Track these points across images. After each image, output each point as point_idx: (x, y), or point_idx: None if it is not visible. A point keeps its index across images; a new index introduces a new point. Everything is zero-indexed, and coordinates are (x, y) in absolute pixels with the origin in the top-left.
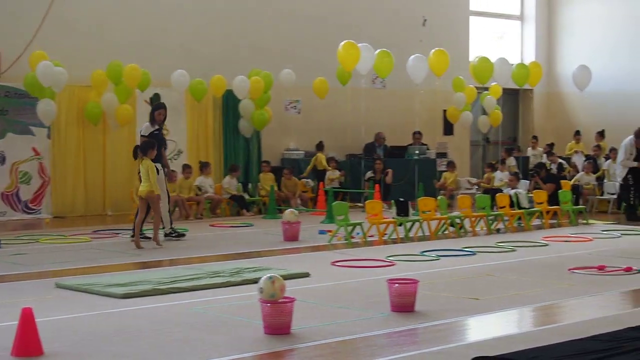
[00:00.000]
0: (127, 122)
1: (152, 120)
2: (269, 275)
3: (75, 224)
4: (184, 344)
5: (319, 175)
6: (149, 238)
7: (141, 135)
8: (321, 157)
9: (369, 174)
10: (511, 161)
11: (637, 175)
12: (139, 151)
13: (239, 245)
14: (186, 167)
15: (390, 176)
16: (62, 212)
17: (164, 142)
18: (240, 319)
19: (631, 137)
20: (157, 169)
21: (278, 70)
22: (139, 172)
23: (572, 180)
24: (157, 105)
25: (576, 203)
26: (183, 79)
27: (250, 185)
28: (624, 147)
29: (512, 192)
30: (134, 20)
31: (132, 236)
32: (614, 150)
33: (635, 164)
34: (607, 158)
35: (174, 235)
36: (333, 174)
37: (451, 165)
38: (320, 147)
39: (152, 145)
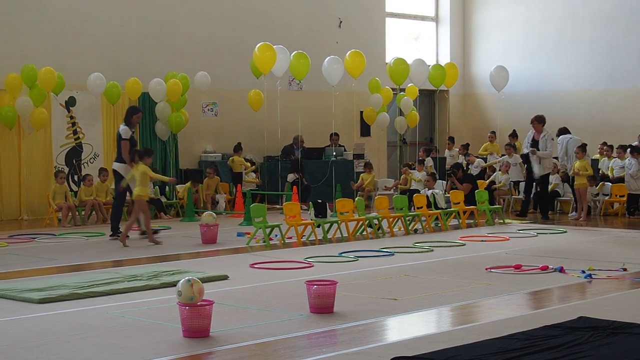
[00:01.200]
0: (42, 125)
1: (129, 123)
2: (187, 278)
3: None
4: (102, 348)
5: (235, 177)
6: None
7: (122, 139)
8: (237, 160)
9: (292, 176)
10: (429, 162)
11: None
12: (137, 156)
13: (157, 249)
14: (102, 171)
15: (304, 181)
16: None
17: (135, 145)
18: (159, 322)
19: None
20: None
21: (194, 72)
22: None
23: (488, 180)
24: (135, 109)
25: (492, 202)
26: (99, 82)
27: (167, 189)
28: (526, 138)
29: (429, 192)
30: (49, 24)
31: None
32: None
33: (526, 151)
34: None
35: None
36: (249, 177)
37: (368, 167)
38: (237, 149)
39: (150, 152)
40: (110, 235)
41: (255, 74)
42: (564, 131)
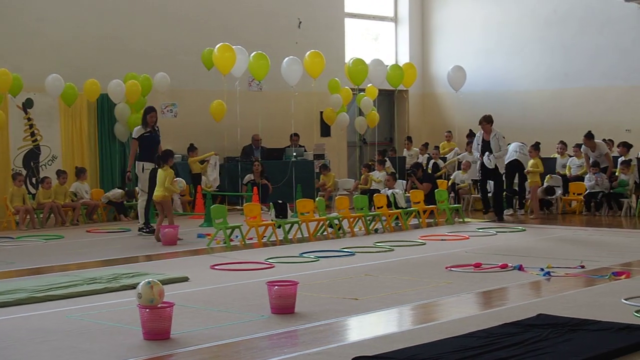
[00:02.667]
0: (0, 127)
1: (144, 122)
2: (147, 280)
3: None
4: (61, 352)
5: (194, 178)
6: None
7: (133, 138)
8: (192, 160)
9: (249, 177)
10: (388, 162)
11: (485, 170)
12: (160, 160)
13: (116, 251)
14: (61, 173)
15: (270, 189)
16: None
17: (157, 142)
18: (119, 325)
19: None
20: (143, 168)
21: (153, 74)
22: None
23: (450, 181)
24: (149, 109)
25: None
26: (57, 83)
27: (127, 190)
28: (475, 139)
29: (390, 192)
30: (5, 25)
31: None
32: None
33: (476, 154)
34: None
35: (145, 230)
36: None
37: (325, 168)
38: (190, 150)
39: (171, 154)
40: (140, 229)
41: (206, 66)
42: None
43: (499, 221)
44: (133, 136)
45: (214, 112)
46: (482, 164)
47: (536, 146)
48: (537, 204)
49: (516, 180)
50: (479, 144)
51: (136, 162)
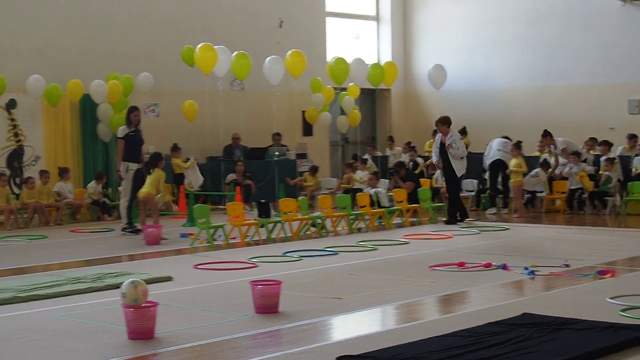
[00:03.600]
0: None
1: (128, 122)
2: (131, 279)
3: None
4: (46, 351)
5: (177, 178)
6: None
7: (117, 138)
8: (175, 162)
9: (231, 176)
10: (371, 160)
11: (445, 172)
12: (150, 165)
13: (100, 251)
14: (44, 173)
15: (253, 189)
16: None
17: (141, 141)
18: (103, 324)
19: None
20: (127, 168)
21: (136, 74)
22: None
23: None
24: (132, 108)
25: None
26: (39, 84)
27: (110, 190)
28: (434, 143)
29: (372, 191)
30: None
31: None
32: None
33: (435, 158)
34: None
35: (129, 230)
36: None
37: (313, 170)
38: (174, 149)
39: (160, 157)
40: (124, 229)
41: (187, 63)
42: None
43: (446, 224)
44: (118, 135)
45: (186, 112)
46: (443, 168)
47: (517, 145)
48: (522, 203)
49: (500, 179)
50: (437, 148)
51: (124, 162)
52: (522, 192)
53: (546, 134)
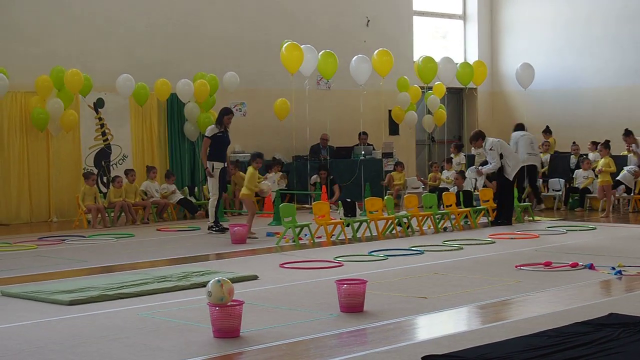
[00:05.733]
0: (72, 127)
1: (220, 123)
2: (217, 278)
3: (20, 231)
4: (132, 349)
5: None
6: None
7: (205, 136)
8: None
9: (315, 178)
10: (461, 159)
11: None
12: (251, 159)
13: (186, 249)
14: (129, 172)
15: (338, 194)
16: (6, 219)
17: (228, 142)
18: (189, 323)
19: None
20: (213, 167)
21: (222, 73)
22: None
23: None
24: (226, 110)
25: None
26: (128, 83)
27: (196, 189)
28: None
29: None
30: (75, 26)
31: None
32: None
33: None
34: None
35: (215, 229)
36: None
37: (399, 165)
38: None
39: (258, 156)
40: (210, 227)
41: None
42: (519, 127)
43: (492, 225)
44: (206, 134)
45: (277, 111)
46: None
47: (606, 145)
48: (610, 203)
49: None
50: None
51: (209, 161)
52: (610, 192)
53: (627, 133)
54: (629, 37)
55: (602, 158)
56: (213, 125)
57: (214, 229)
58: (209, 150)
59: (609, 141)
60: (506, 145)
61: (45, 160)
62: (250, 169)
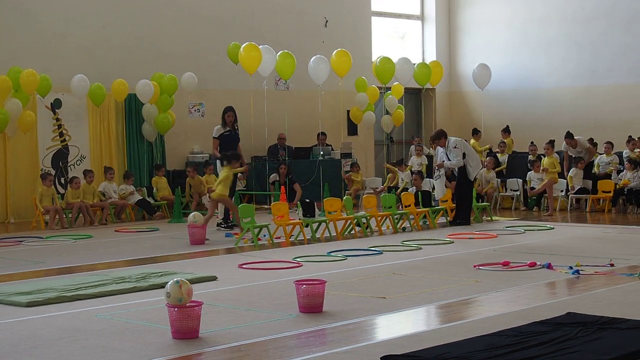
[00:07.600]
0: (29, 128)
1: (223, 122)
2: (175, 279)
3: None
4: (91, 351)
5: None
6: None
7: (213, 137)
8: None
9: (274, 176)
10: (423, 160)
11: (458, 175)
12: (225, 160)
13: (145, 250)
14: (88, 172)
15: (300, 193)
16: None
17: (236, 140)
18: (148, 324)
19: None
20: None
21: (180, 73)
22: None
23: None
24: (227, 108)
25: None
26: (83, 83)
27: (154, 190)
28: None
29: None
30: (33, 26)
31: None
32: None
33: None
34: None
35: (224, 225)
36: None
37: (355, 167)
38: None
39: (237, 157)
40: (219, 224)
41: (232, 61)
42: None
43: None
44: (213, 135)
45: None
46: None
47: (551, 143)
48: (553, 202)
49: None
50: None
51: (216, 160)
52: (552, 191)
53: (568, 135)
54: (585, 38)
55: (546, 157)
56: (219, 126)
57: (222, 226)
58: (219, 149)
59: (553, 140)
60: (468, 145)
61: (2, 161)
62: (226, 170)
